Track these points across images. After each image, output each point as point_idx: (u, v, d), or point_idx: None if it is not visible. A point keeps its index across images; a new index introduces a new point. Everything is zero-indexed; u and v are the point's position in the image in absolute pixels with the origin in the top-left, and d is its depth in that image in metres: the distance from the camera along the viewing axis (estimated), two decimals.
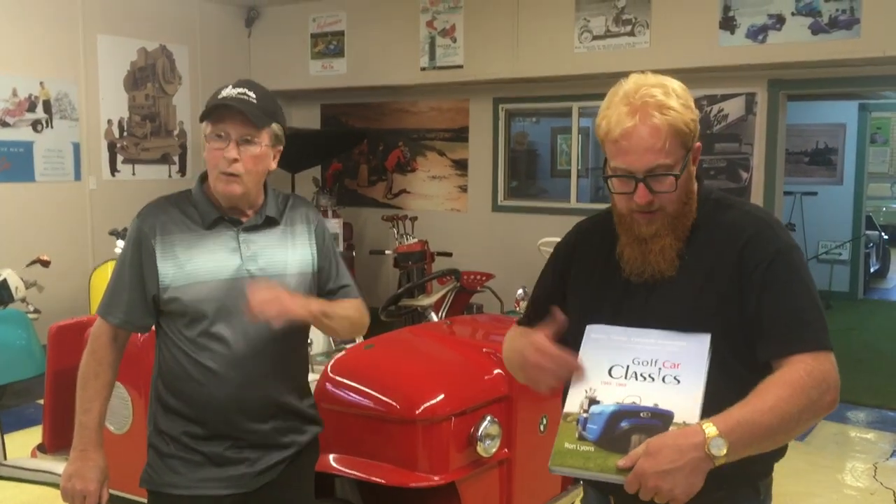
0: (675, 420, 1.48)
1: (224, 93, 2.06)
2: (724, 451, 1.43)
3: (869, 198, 11.08)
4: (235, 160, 2.04)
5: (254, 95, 2.06)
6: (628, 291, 1.73)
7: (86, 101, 7.50)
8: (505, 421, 2.91)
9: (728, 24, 6.31)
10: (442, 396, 2.78)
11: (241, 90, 2.06)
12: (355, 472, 2.75)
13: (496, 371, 2.97)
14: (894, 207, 13.19)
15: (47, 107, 7.18)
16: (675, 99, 1.64)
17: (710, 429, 1.45)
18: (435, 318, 4.37)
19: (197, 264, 2.07)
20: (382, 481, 2.72)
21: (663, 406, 1.51)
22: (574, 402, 1.59)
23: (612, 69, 6.81)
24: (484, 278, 7.13)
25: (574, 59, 7.00)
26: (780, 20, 6.11)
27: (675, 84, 1.68)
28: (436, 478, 2.69)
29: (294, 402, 2.21)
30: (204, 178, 2.15)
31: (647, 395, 1.53)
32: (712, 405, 1.51)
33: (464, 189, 8.31)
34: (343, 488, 3.05)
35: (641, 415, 1.51)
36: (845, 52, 5.84)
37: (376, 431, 2.76)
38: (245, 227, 2.13)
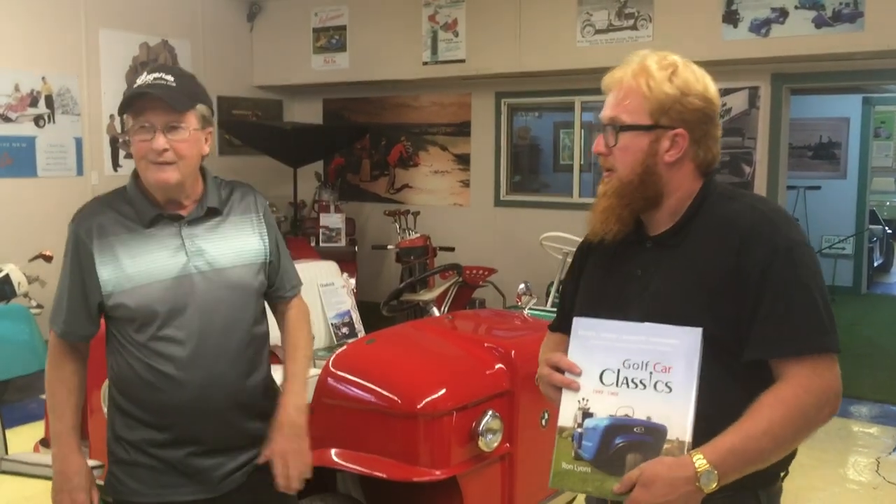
0: (668, 437, 1.50)
1: (139, 80, 1.94)
2: (715, 484, 1.47)
3: (872, 192, 11.05)
4: (165, 150, 1.94)
5: (171, 79, 1.95)
6: (627, 281, 1.72)
7: (88, 96, 7.49)
8: (506, 416, 2.91)
9: (731, 17, 6.29)
10: (443, 391, 2.78)
11: (157, 75, 1.95)
12: (357, 467, 2.75)
13: (498, 366, 2.97)
14: None
15: (49, 102, 7.18)
16: (665, 72, 1.65)
17: (700, 461, 1.47)
18: (437, 313, 4.37)
19: (140, 266, 1.97)
20: (384, 476, 2.72)
21: (656, 419, 1.52)
22: (568, 414, 1.60)
23: (614, 63, 6.74)
24: (486, 273, 7.13)
25: (576, 54, 6.98)
26: (783, 14, 6.09)
27: (682, 64, 1.68)
28: (437, 472, 2.69)
29: (258, 400, 2.10)
30: (137, 174, 2.05)
31: (639, 406, 1.54)
32: (706, 403, 1.52)
33: (466, 184, 8.30)
34: (345, 483, 3.05)
35: (635, 430, 1.53)
36: (849, 45, 5.82)
37: (378, 426, 2.76)
38: (187, 220, 2.02)
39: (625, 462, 1.52)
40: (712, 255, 1.62)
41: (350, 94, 8.88)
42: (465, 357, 3.05)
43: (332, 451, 2.75)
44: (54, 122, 7.22)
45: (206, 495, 2.05)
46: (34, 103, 7.08)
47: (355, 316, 3.96)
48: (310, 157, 8.49)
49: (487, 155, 8.12)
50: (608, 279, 1.76)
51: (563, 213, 7.59)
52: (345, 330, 3.87)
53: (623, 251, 1.75)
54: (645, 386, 1.55)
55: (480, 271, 7.12)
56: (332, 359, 2.93)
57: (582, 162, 7.85)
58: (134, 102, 1.95)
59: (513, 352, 3.01)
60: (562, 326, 1.87)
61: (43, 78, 7.13)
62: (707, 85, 1.68)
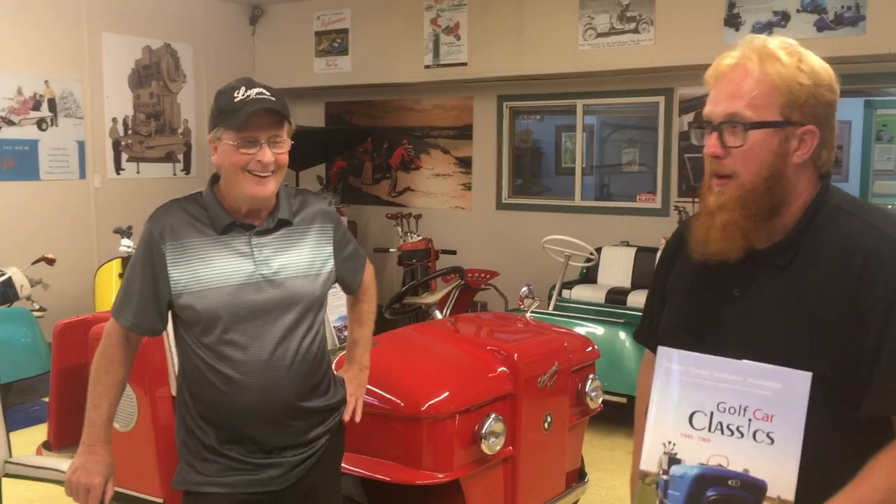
0: (768, 494, 1.33)
1: (240, 95, 2.02)
2: None
3: (875, 195, 11.04)
4: (271, 162, 2.02)
5: (270, 94, 2.03)
6: (722, 302, 1.50)
7: (90, 100, 7.51)
8: (509, 419, 2.91)
9: (733, 20, 6.30)
10: (446, 394, 2.78)
11: (258, 90, 2.02)
12: (360, 470, 2.75)
13: (500, 369, 2.97)
14: None
15: (52, 105, 7.20)
16: (792, 58, 1.41)
17: None
18: (439, 316, 4.36)
19: (209, 270, 2.04)
20: (387, 479, 2.72)
21: (754, 473, 1.34)
22: (652, 458, 1.43)
23: (616, 66, 6.80)
24: (488, 276, 7.13)
25: (578, 57, 6.98)
26: (784, 17, 6.10)
27: (807, 53, 1.44)
28: (440, 475, 2.69)
29: (316, 401, 2.19)
30: (214, 181, 2.11)
31: (735, 457, 1.36)
32: (811, 456, 1.31)
33: (468, 187, 8.31)
34: (347, 486, 3.05)
35: (730, 483, 1.36)
36: (851, 48, 5.83)
37: (381, 429, 2.76)
38: (257, 231, 2.10)
39: None
40: (826, 283, 1.39)
41: (352, 97, 8.89)
42: (468, 360, 3.05)
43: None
44: (57, 125, 7.24)
45: (272, 488, 2.13)
46: (37, 107, 7.09)
47: None
48: (312, 160, 8.50)
49: (489, 158, 8.13)
50: (699, 296, 1.55)
51: (564, 216, 7.59)
52: (347, 333, 3.86)
53: (718, 265, 1.50)
54: (742, 434, 1.36)
55: (483, 274, 7.13)
56: (334, 361, 2.93)
57: (584, 165, 7.85)
58: (251, 120, 2.00)
59: (515, 355, 3.01)
60: (649, 342, 1.68)
61: (46, 81, 7.14)
62: (832, 74, 1.46)
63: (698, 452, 1.39)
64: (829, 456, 1.35)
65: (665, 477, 1.41)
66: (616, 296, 6.34)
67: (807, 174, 1.46)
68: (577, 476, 3.50)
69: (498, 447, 2.82)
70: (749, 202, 1.43)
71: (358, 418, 2.34)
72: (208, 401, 2.09)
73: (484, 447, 2.78)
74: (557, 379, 3.14)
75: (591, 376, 3.42)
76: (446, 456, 2.72)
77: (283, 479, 2.14)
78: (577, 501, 3.64)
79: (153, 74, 8.06)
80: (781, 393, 1.34)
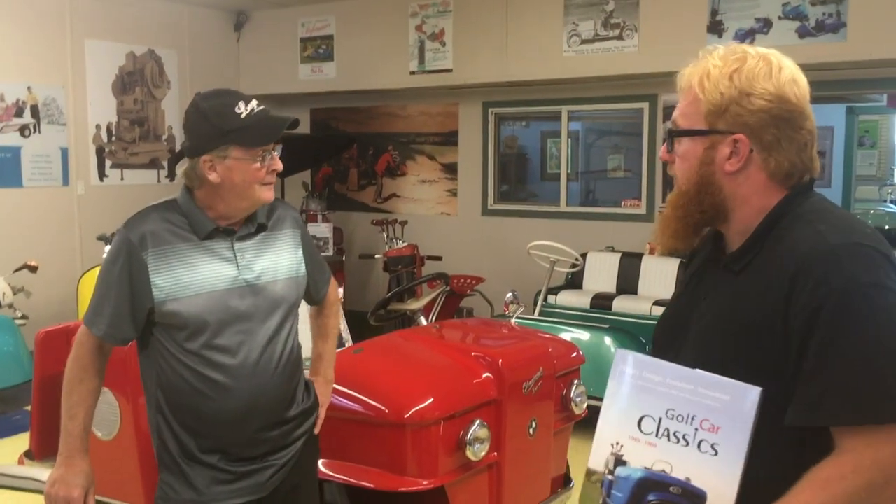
0: None
1: (245, 110, 2.03)
2: None
3: (857, 200, 11.13)
4: (280, 168, 2.10)
5: (263, 106, 2.09)
6: (694, 307, 1.54)
7: (73, 106, 7.47)
8: (494, 425, 2.91)
9: (716, 27, 6.34)
10: (431, 400, 2.78)
11: (256, 103, 2.07)
12: (344, 477, 2.74)
13: (485, 375, 2.97)
14: (883, 210, 13.23)
15: (35, 111, 7.15)
16: (726, 68, 1.44)
17: None
18: (424, 322, 4.36)
19: (195, 276, 2.04)
20: (371, 486, 2.72)
21: (696, 482, 1.34)
22: (599, 458, 1.45)
23: (600, 73, 6.83)
24: (474, 282, 7.13)
25: (563, 63, 7.01)
26: (767, 24, 6.14)
27: (756, 58, 1.44)
28: (425, 482, 2.69)
29: (297, 404, 2.24)
30: (189, 189, 2.10)
31: (679, 464, 1.36)
32: (756, 468, 1.31)
33: (454, 193, 8.31)
34: (332, 492, 3.04)
35: (671, 489, 1.37)
36: (832, 55, 5.88)
37: (365, 436, 2.76)
38: (239, 235, 2.12)
39: None
40: (764, 291, 1.38)
41: (337, 103, 8.88)
42: (453, 366, 3.05)
43: (320, 461, 2.74)
44: (40, 131, 7.19)
45: (257, 496, 2.14)
46: (19, 113, 7.05)
47: (343, 325, 3.95)
48: (297, 166, 8.48)
49: (475, 164, 8.14)
50: (682, 302, 1.60)
51: (550, 222, 7.61)
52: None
53: (703, 270, 1.57)
54: (688, 443, 1.36)
55: (468, 280, 7.13)
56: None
57: (569, 171, 7.88)
58: (269, 134, 2.06)
59: (500, 361, 3.01)
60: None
61: (28, 88, 7.10)
62: (781, 82, 1.43)
63: (644, 456, 1.40)
64: (771, 468, 1.34)
65: (610, 477, 1.43)
66: (601, 301, 6.35)
67: (752, 182, 1.46)
68: (563, 481, 3.50)
69: (483, 453, 2.82)
70: (680, 205, 1.50)
71: (317, 430, 2.37)
72: (192, 408, 2.07)
73: (469, 453, 2.77)
74: (542, 385, 3.15)
75: (575, 382, 3.42)
76: (431, 462, 2.71)
77: (268, 485, 2.15)
78: None
79: (137, 81, 8.03)
80: (730, 405, 1.33)
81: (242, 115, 2.02)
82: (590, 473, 1.47)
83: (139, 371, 2.18)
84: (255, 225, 2.14)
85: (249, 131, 2.02)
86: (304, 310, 2.44)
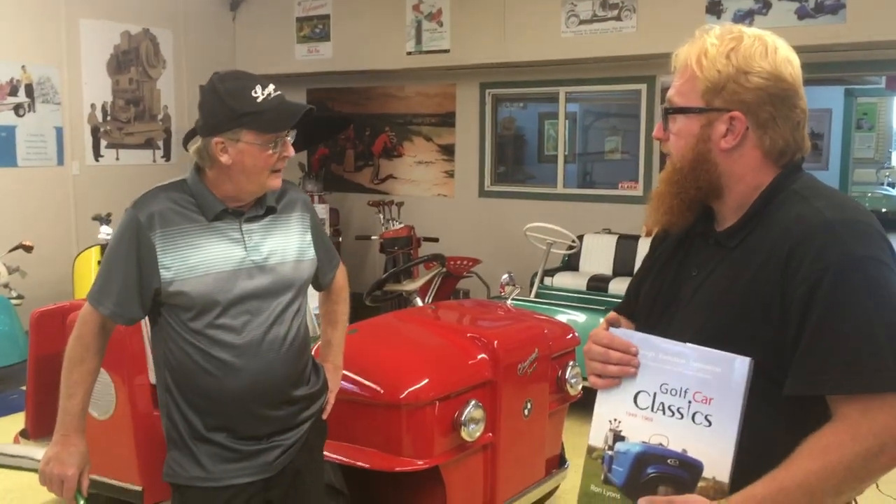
0: (704, 474, 1.37)
1: (261, 95, 2.01)
2: None
3: (855, 183, 11.15)
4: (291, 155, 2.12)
5: (282, 93, 2.07)
6: (683, 282, 1.55)
7: (68, 86, 7.42)
8: (489, 405, 2.92)
9: (714, 8, 6.31)
10: (426, 381, 2.78)
11: (274, 90, 2.04)
12: (339, 457, 2.75)
13: (480, 356, 2.97)
14: (880, 193, 13.24)
15: (29, 91, 7.11)
16: (723, 47, 1.45)
17: None
18: (420, 303, 4.36)
19: (202, 256, 2.04)
20: (367, 466, 2.73)
21: (692, 453, 1.38)
22: (598, 434, 1.49)
23: (598, 54, 6.80)
24: (470, 263, 7.13)
25: (561, 44, 6.97)
26: (766, 5, 6.11)
27: (751, 38, 1.46)
28: (420, 462, 2.70)
29: (303, 385, 2.23)
30: (199, 169, 2.10)
31: (675, 437, 1.40)
32: (745, 436, 1.35)
33: (450, 174, 8.29)
34: (328, 473, 3.05)
35: (669, 461, 1.40)
36: (831, 37, 5.85)
37: (361, 416, 2.76)
38: (247, 217, 2.12)
39: (655, 492, 1.41)
40: (762, 266, 1.41)
41: (334, 83, 8.84)
42: (448, 347, 3.05)
43: None
44: (34, 111, 7.16)
45: (264, 475, 2.14)
46: (14, 92, 7.00)
47: None
48: (293, 147, 8.44)
49: (472, 145, 8.12)
50: (668, 275, 1.60)
51: (547, 204, 7.60)
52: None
53: (689, 244, 1.58)
54: (682, 416, 1.40)
55: (464, 262, 7.13)
56: (314, 349, 2.92)
57: (566, 153, 7.86)
58: (285, 121, 2.05)
59: (496, 342, 3.01)
60: (623, 310, 1.71)
61: (23, 67, 7.05)
62: (777, 61, 1.45)
63: (641, 431, 1.44)
64: (768, 439, 1.37)
65: (610, 453, 1.47)
66: (597, 283, 6.36)
67: (746, 159, 1.48)
68: (558, 462, 3.51)
69: (478, 434, 2.83)
70: (675, 181, 1.51)
71: (325, 415, 2.37)
72: (199, 387, 2.08)
73: (464, 434, 2.78)
74: (537, 366, 3.15)
75: (571, 363, 3.43)
76: (426, 443, 2.72)
77: (275, 465, 2.15)
78: (557, 488, 3.66)
79: (132, 60, 7.98)
80: (721, 377, 1.36)
81: (259, 100, 2.00)
82: (590, 450, 1.50)
83: (135, 351, 2.18)
84: (263, 207, 2.15)
85: (264, 116, 2.01)
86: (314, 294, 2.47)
